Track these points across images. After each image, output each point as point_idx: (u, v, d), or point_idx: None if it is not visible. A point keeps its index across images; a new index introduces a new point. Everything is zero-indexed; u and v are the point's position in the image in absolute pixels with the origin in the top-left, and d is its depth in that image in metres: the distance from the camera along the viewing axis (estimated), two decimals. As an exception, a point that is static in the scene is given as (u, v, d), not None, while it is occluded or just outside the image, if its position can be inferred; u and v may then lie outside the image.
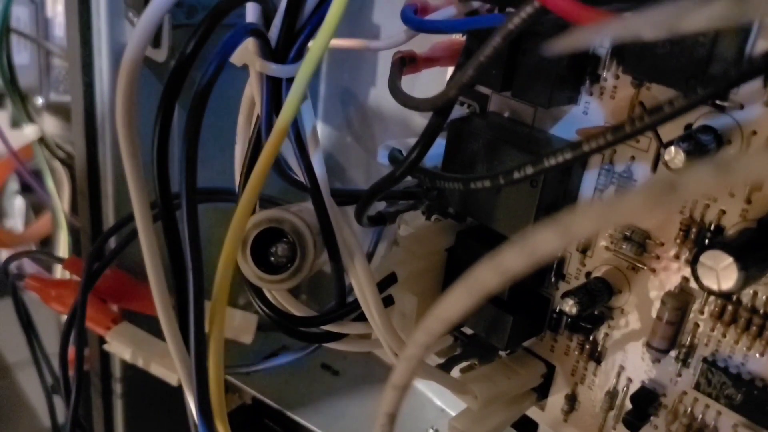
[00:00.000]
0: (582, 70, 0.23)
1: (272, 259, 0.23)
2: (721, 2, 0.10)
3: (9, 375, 0.75)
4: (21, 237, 0.60)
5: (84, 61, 0.28)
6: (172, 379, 0.29)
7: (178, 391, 0.34)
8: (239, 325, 0.32)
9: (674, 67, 0.20)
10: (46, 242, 0.60)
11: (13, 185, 0.65)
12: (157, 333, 0.31)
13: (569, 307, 0.24)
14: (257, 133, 0.23)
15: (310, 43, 0.21)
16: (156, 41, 0.26)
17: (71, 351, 0.35)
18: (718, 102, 0.20)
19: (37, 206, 0.64)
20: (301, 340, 0.26)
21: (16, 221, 0.66)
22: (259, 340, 0.33)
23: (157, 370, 0.30)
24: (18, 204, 0.65)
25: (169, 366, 0.29)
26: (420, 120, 0.32)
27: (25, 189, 0.64)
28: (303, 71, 0.20)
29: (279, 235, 0.23)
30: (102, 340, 0.32)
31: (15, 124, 0.47)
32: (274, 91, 0.22)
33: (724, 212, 0.21)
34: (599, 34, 0.17)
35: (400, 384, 0.16)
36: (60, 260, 0.34)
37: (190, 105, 0.19)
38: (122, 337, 0.30)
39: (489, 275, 0.11)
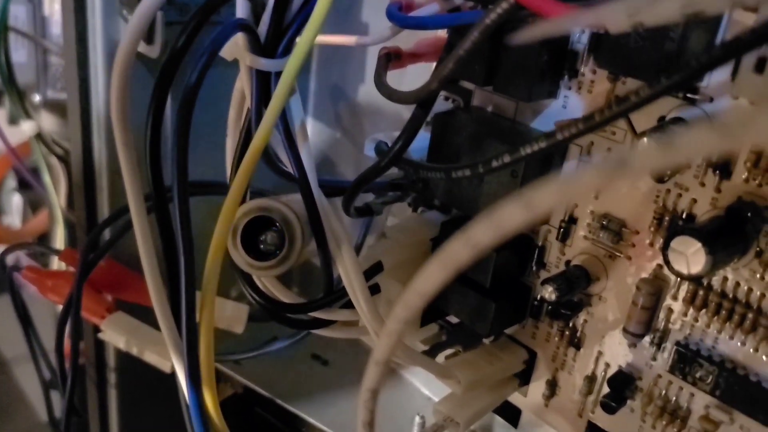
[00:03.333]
0: (561, 65, 0.24)
1: (262, 246, 0.24)
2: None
3: (6, 370, 0.75)
4: (18, 233, 0.61)
5: (79, 58, 0.29)
6: (165, 366, 0.30)
7: (172, 379, 0.35)
8: (231, 315, 0.33)
9: (646, 62, 0.21)
10: (44, 238, 0.60)
11: (11, 182, 0.65)
12: (151, 322, 0.32)
13: (549, 293, 0.24)
14: (247, 126, 0.24)
15: (298, 38, 0.22)
16: (149, 38, 0.27)
17: (67, 342, 0.36)
18: (689, 95, 0.21)
19: (34, 203, 0.64)
20: (290, 327, 0.27)
21: (13, 218, 0.66)
22: (250, 331, 0.34)
23: (150, 357, 0.30)
24: (15, 201, 0.66)
25: (162, 353, 0.30)
26: (408, 114, 0.33)
27: (23, 186, 0.65)
28: (291, 65, 0.21)
29: (268, 223, 0.24)
30: (96, 330, 0.32)
31: (12, 121, 0.48)
32: (264, 84, 0.23)
33: (695, 201, 0.22)
34: (565, 25, 0.17)
35: (382, 359, 0.16)
36: (56, 252, 0.35)
37: (181, 99, 0.19)
38: (116, 325, 0.31)
39: (461, 249, 0.12)
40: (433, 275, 0.13)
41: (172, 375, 0.31)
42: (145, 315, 0.32)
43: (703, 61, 0.15)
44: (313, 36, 0.20)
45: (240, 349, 0.35)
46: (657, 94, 0.16)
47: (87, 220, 0.32)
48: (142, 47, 0.27)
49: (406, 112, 0.32)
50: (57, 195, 0.45)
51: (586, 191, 0.13)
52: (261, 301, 0.26)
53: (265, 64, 0.22)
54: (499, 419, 0.31)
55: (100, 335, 0.31)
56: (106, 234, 0.32)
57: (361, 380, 0.37)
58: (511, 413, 0.31)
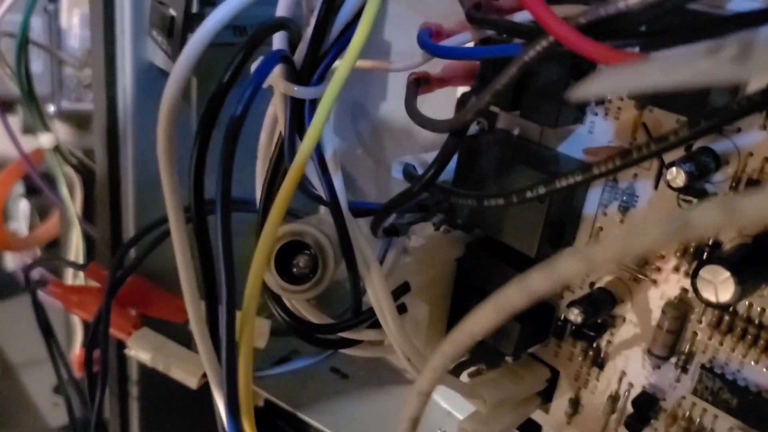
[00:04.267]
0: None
1: (294, 270, 0.24)
2: (727, 64, 0.12)
3: (12, 375, 0.75)
4: (26, 240, 0.61)
5: (108, 77, 0.30)
6: (191, 382, 0.31)
7: (194, 394, 0.35)
8: (256, 329, 0.33)
9: (675, 94, 0.21)
10: (52, 246, 0.61)
11: (18, 188, 0.65)
12: (175, 338, 0.33)
13: (575, 316, 0.25)
14: (279, 151, 0.25)
15: (335, 65, 0.22)
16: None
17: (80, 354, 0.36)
18: (723, 130, 0.22)
19: (42, 209, 0.65)
20: (318, 346, 0.27)
21: (20, 224, 0.67)
22: (271, 344, 0.34)
23: (176, 373, 0.31)
24: (23, 207, 0.66)
25: (188, 370, 0.31)
26: (427, 134, 0.33)
27: (30, 192, 0.65)
28: (329, 94, 0.21)
29: (301, 246, 0.24)
30: (121, 345, 0.33)
31: (28, 130, 0.48)
32: (298, 111, 0.23)
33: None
34: (617, 87, 0.18)
35: (425, 391, 0.17)
36: (79, 266, 0.35)
37: (227, 130, 0.20)
38: (143, 341, 0.31)
39: (517, 296, 0.13)
40: (486, 317, 0.14)
41: (197, 391, 0.32)
42: (169, 330, 0.33)
43: (743, 105, 0.16)
44: (351, 65, 0.21)
45: (261, 362, 0.36)
46: (696, 135, 0.17)
47: (111, 237, 0.33)
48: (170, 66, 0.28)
49: (426, 132, 0.33)
50: (73, 204, 0.45)
51: (646, 250, 0.13)
52: (291, 322, 0.26)
53: (301, 92, 0.22)
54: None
55: (127, 351, 0.31)
56: (131, 250, 0.32)
57: (380, 393, 0.37)
58: (531, 430, 0.31)
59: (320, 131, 0.21)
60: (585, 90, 0.14)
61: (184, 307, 0.32)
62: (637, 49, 0.17)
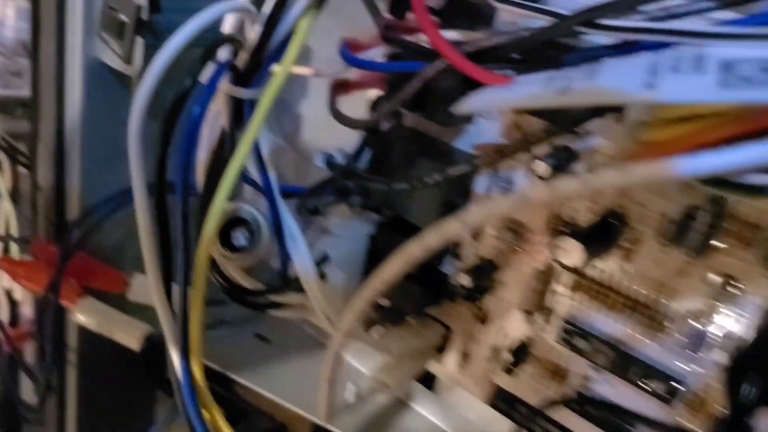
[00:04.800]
0: (477, 98, 0.30)
1: (234, 241, 0.29)
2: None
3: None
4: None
5: (58, 72, 0.33)
6: (134, 344, 0.34)
7: (130, 364, 0.39)
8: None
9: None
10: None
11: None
12: (115, 308, 0.36)
13: (465, 280, 0.31)
14: (219, 143, 0.29)
15: (273, 68, 0.27)
16: (128, 59, 0.31)
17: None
18: (575, 129, 0.28)
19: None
20: (250, 308, 0.32)
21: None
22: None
23: (120, 337, 0.34)
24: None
25: (131, 333, 0.34)
26: (342, 130, 0.38)
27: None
28: (268, 96, 0.26)
29: (239, 222, 0.29)
30: (60, 313, 0.36)
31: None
32: (238, 109, 0.28)
33: (577, 210, 0.29)
34: (487, 105, 0.23)
35: (347, 330, 0.22)
36: (25, 242, 0.38)
37: (188, 127, 0.24)
38: (88, 309, 0.35)
39: (416, 249, 0.18)
40: (395, 266, 0.19)
41: (130, 362, 0.36)
42: (110, 301, 0.36)
43: (586, 112, 0.22)
44: (287, 71, 0.25)
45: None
46: (557, 133, 0.22)
47: (56, 217, 0.36)
48: (123, 67, 0.32)
49: (341, 125, 0.37)
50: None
51: (508, 213, 0.18)
52: (228, 287, 0.30)
53: (243, 93, 0.27)
54: (418, 385, 0.37)
55: (73, 317, 0.35)
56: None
57: (299, 355, 0.42)
58: (428, 380, 0.37)
59: (261, 125, 0.26)
60: (463, 107, 0.20)
61: (122, 278, 0.36)
62: (509, 72, 0.22)
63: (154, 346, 0.36)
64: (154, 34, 0.32)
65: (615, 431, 0.30)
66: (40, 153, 0.36)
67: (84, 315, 0.34)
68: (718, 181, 0.19)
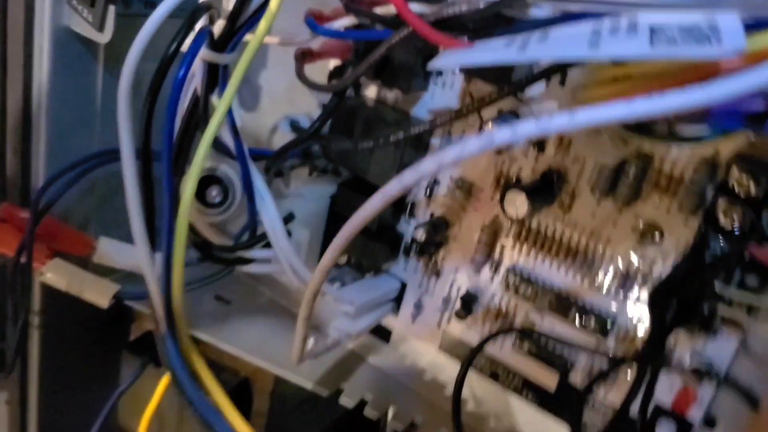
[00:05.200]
0: (431, 67, 0.33)
1: (207, 198, 0.31)
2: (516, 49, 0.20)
3: None
4: None
5: (26, 38, 0.34)
6: (103, 302, 0.36)
7: (94, 320, 0.41)
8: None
9: (491, 70, 0.30)
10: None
11: None
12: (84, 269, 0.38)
13: (419, 235, 0.34)
14: (192, 107, 0.31)
15: (246, 37, 0.29)
16: (101, 26, 0.33)
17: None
18: (519, 95, 0.31)
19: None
20: (220, 264, 0.34)
21: None
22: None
23: (89, 295, 0.36)
24: None
25: (100, 292, 0.36)
26: (301, 97, 0.40)
27: None
28: (244, 60, 0.27)
29: (213, 180, 0.31)
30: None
31: None
32: (213, 74, 0.29)
33: (522, 168, 0.32)
34: (453, 63, 0.26)
35: (327, 264, 0.24)
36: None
37: (172, 89, 0.26)
38: (57, 269, 0.36)
39: (378, 198, 0.21)
40: (363, 213, 0.22)
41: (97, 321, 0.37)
42: (78, 263, 0.38)
43: (529, 77, 0.25)
44: (261, 39, 0.27)
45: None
46: (502, 96, 0.25)
47: (22, 181, 0.37)
48: (94, 35, 0.33)
49: (299, 95, 0.40)
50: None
51: (454, 163, 0.20)
52: (199, 242, 0.32)
53: (218, 58, 0.29)
54: (374, 339, 0.40)
55: (42, 278, 0.36)
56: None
57: (257, 314, 0.44)
58: (384, 333, 0.40)
59: (237, 87, 0.28)
60: (436, 63, 0.22)
61: (88, 242, 0.38)
62: (466, 39, 0.25)
63: (121, 304, 0.38)
64: (125, 2, 0.34)
65: (555, 365, 0.33)
66: (8, 120, 0.36)
67: (54, 275, 0.36)
68: (645, 129, 0.22)
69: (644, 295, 0.30)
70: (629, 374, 0.31)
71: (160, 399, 0.38)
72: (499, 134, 0.18)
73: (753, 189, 0.26)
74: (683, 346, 0.30)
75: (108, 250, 0.38)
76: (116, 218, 0.42)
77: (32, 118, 0.36)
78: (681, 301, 0.25)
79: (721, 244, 0.26)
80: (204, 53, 0.29)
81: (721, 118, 0.20)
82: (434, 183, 0.35)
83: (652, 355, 0.26)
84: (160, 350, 0.30)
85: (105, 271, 0.38)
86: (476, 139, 0.18)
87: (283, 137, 0.39)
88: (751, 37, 0.18)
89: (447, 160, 0.19)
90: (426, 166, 0.19)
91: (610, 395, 0.32)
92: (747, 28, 0.18)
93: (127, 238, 0.39)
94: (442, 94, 0.33)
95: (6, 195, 0.38)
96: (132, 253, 0.39)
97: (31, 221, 0.34)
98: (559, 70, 0.24)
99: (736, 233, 0.26)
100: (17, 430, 0.44)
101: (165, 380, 0.38)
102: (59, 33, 0.34)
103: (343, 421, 0.40)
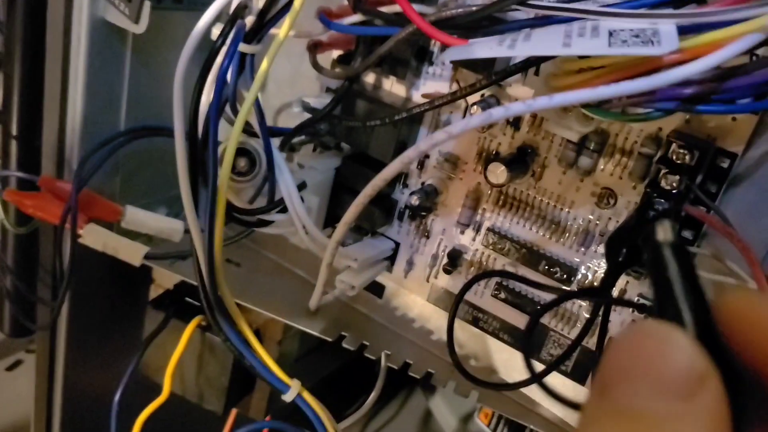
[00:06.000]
0: (424, 57, 0.39)
1: (236, 168, 0.36)
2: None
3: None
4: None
5: (65, 28, 0.39)
6: (136, 261, 0.41)
7: (119, 286, 0.46)
8: (172, 228, 0.44)
9: (477, 62, 0.36)
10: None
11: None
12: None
13: (413, 200, 0.40)
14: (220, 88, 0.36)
15: (273, 31, 0.34)
16: (137, 19, 0.37)
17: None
18: (501, 84, 0.37)
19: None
20: (243, 225, 0.39)
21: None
22: (182, 244, 0.45)
23: (124, 255, 0.41)
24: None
25: (133, 252, 0.41)
26: (302, 82, 0.45)
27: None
28: (272, 51, 0.33)
29: (241, 153, 0.36)
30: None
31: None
32: (242, 62, 0.35)
33: (500, 143, 0.38)
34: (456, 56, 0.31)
35: (350, 219, 0.30)
36: (32, 177, 0.43)
37: (218, 78, 0.31)
38: (94, 233, 0.41)
39: (398, 161, 0.26)
40: (392, 168, 0.27)
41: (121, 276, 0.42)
42: (110, 229, 0.43)
43: (510, 68, 0.31)
44: (288, 31, 0.33)
45: (172, 254, 0.46)
46: (488, 84, 0.31)
47: (58, 155, 0.42)
48: (130, 26, 0.38)
49: (301, 83, 0.45)
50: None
51: (444, 142, 0.26)
52: (228, 208, 0.38)
53: (249, 48, 0.34)
54: (370, 295, 0.46)
55: (82, 240, 0.41)
56: (74, 163, 0.41)
57: (264, 274, 0.49)
58: (378, 289, 0.46)
59: (265, 75, 0.33)
60: (446, 56, 0.28)
61: (117, 209, 0.43)
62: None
63: (143, 267, 0.43)
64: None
65: (527, 310, 0.40)
66: (46, 101, 0.41)
67: (90, 237, 0.40)
68: (604, 110, 0.28)
69: (601, 249, 0.37)
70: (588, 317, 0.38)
71: (186, 344, 0.43)
72: (496, 111, 0.24)
73: (688, 159, 0.32)
74: (633, 289, 0.36)
75: (135, 217, 0.43)
76: (139, 190, 0.47)
77: (68, 100, 0.41)
78: (630, 249, 0.31)
79: (662, 204, 0.33)
80: (240, 45, 0.34)
81: (662, 102, 0.27)
82: (425, 157, 0.41)
83: (607, 290, 0.32)
84: (202, 294, 0.35)
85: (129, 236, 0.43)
86: (478, 116, 0.24)
87: (288, 117, 0.44)
88: (685, 38, 0.24)
89: (455, 131, 0.25)
90: (438, 136, 0.25)
91: (573, 332, 0.38)
92: (683, 32, 0.24)
93: (149, 207, 0.45)
94: (432, 82, 0.39)
95: (41, 169, 0.43)
96: (156, 219, 0.44)
97: (75, 191, 0.39)
98: (535, 63, 0.30)
99: (674, 194, 0.32)
100: (45, 381, 0.48)
101: (193, 324, 0.43)
102: (95, 24, 0.39)
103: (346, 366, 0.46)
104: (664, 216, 0.33)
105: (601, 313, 0.34)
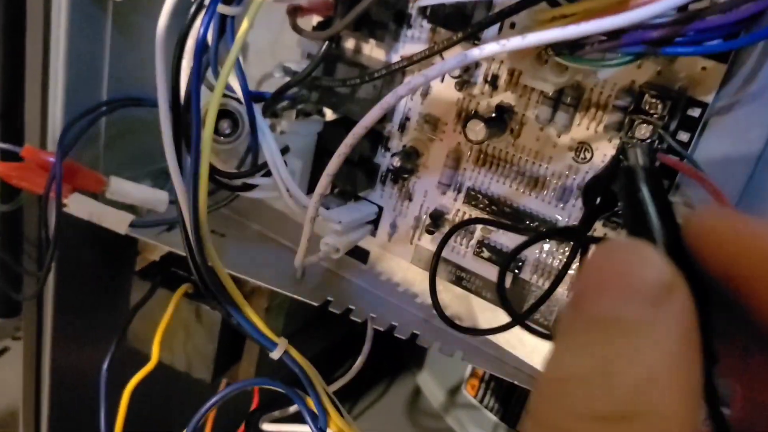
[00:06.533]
0: (402, 20, 0.39)
1: (220, 129, 0.37)
2: None
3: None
4: None
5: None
6: (122, 229, 0.41)
7: (104, 257, 0.46)
8: (156, 198, 0.44)
9: (453, 19, 0.37)
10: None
11: None
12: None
13: (395, 162, 0.40)
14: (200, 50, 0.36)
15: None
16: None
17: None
18: (476, 41, 0.38)
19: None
20: (226, 189, 0.40)
21: None
22: (168, 211, 0.46)
23: (109, 223, 0.41)
24: None
25: (118, 220, 0.41)
26: (282, 50, 0.46)
27: None
28: (253, 8, 0.33)
29: (226, 115, 0.36)
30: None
31: None
32: (222, 24, 0.35)
33: (479, 103, 0.39)
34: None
35: (332, 171, 0.30)
36: (15, 147, 0.43)
37: (198, 44, 0.32)
38: (78, 202, 0.41)
39: (378, 107, 0.27)
40: (370, 116, 0.28)
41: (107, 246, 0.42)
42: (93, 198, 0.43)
43: (484, 21, 0.31)
44: (265, -6, 0.33)
45: (158, 222, 0.46)
46: (464, 37, 0.32)
47: (41, 126, 0.42)
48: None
49: (279, 51, 0.45)
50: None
51: (445, 72, 0.26)
52: (211, 171, 0.38)
53: (229, 10, 0.34)
54: (354, 260, 0.47)
55: (67, 209, 0.41)
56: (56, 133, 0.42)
57: (250, 243, 0.50)
58: (362, 255, 0.46)
59: (245, 34, 0.33)
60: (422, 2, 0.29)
61: (101, 180, 0.43)
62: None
63: (128, 238, 0.43)
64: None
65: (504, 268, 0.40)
66: (28, 72, 0.41)
67: (75, 206, 0.41)
68: (577, 57, 0.29)
69: (580, 203, 0.38)
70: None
71: (173, 313, 0.44)
72: (472, 52, 0.25)
73: (660, 109, 0.33)
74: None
75: (119, 187, 0.44)
76: (123, 164, 0.47)
77: (50, 70, 0.41)
78: (605, 196, 0.32)
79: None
80: (219, 6, 0.34)
81: (630, 46, 0.27)
82: (406, 119, 0.41)
83: (583, 232, 0.33)
84: (187, 251, 0.36)
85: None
86: (454, 57, 0.25)
87: (270, 86, 0.45)
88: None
89: (432, 74, 0.26)
90: (416, 80, 0.26)
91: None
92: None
93: (131, 178, 0.45)
94: (411, 44, 0.40)
95: (24, 139, 0.43)
96: (140, 190, 0.44)
97: (59, 160, 0.39)
98: (508, 14, 0.31)
99: (649, 142, 0.33)
100: (33, 347, 0.49)
101: (180, 291, 0.44)
102: (75, -4, 0.39)
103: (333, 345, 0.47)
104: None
105: (578, 256, 0.34)
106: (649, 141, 0.33)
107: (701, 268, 0.16)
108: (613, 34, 0.27)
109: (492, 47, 0.24)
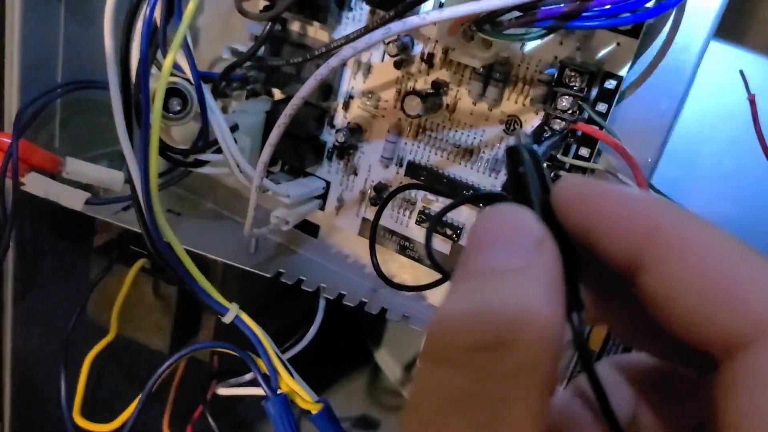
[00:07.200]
0: (343, 3, 0.42)
1: (169, 107, 0.38)
2: None
3: None
4: None
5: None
6: (77, 206, 0.43)
7: (63, 235, 0.47)
8: (112, 178, 0.46)
9: (389, 1, 0.39)
10: None
11: None
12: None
13: (340, 137, 0.42)
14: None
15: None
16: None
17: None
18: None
19: None
20: (179, 166, 0.42)
21: None
22: (124, 190, 0.48)
23: (65, 201, 0.43)
24: None
25: (74, 198, 0.43)
26: (231, 34, 0.48)
27: None
28: (197, -6, 0.35)
29: (175, 93, 0.38)
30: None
31: None
32: (170, 5, 0.37)
33: (417, 81, 0.41)
34: None
35: (275, 138, 0.33)
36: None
37: (146, 23, 0.34)
38: (35, 180, 0.43)
39: (312, 79, 0.29)
40: (306, 88, 0.30)
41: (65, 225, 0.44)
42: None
43: (413, 1, 0.34)
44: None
45: (110, 205, 0.48)
46: (396, 15, 0.34)
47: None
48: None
49: (231, 31, 0.47)
50: None
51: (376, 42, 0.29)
52: (163, 146, 0.40)
53: (176, -9, 0.36)
54: (305, 236, 0.49)
55: (24, 188, 0.43)
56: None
57: (206, 222, 0.52)
58: (313, 230, 0.48)
59: (193, 14, 0.35)
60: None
61: (57, 160, 0.45)
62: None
63: (86, 217, 0.45)
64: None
65: (448, 235, 0.43)
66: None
67: (33, 185, 0.42)
68: (498, 33, 0.32)
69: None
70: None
71: (131, 287, 0.46)
72: (395, 25, 0.27)
73: (579, 82, 0.36)
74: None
75: (75, 167, 0.45)
76: (79, 146, 0.49)
77: (5, 54, 0.42)
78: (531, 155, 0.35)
79: (558, 123, 0.37)
80: (165, -13, 0.36)
81: (542, 21, 0.30)
82: (350, 97, 0.44)
83: (505, 197, 0.36)
84: (140, 221, 0.37)
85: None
86: (379, 30, 0.27)
87: (220, 69, 0.47)
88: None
89: (360, 46, 0.28)
90: (346, 51, 0.28)
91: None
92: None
93: (89, 159, 0.47)
94: (353, 26, 0.42)
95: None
96: (96, 170, 0.46)
97: (15, 140, 0.41)
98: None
99: (570, 113, 0.36)
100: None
101: (137, 265, 0.45)
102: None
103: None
104: (562, 135, 0.36)
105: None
106: (570, 111, 0.36)
107: (567, 228, 0.18)
108: (527, 10, 0.30)
109: (413, 20, 0.27)
